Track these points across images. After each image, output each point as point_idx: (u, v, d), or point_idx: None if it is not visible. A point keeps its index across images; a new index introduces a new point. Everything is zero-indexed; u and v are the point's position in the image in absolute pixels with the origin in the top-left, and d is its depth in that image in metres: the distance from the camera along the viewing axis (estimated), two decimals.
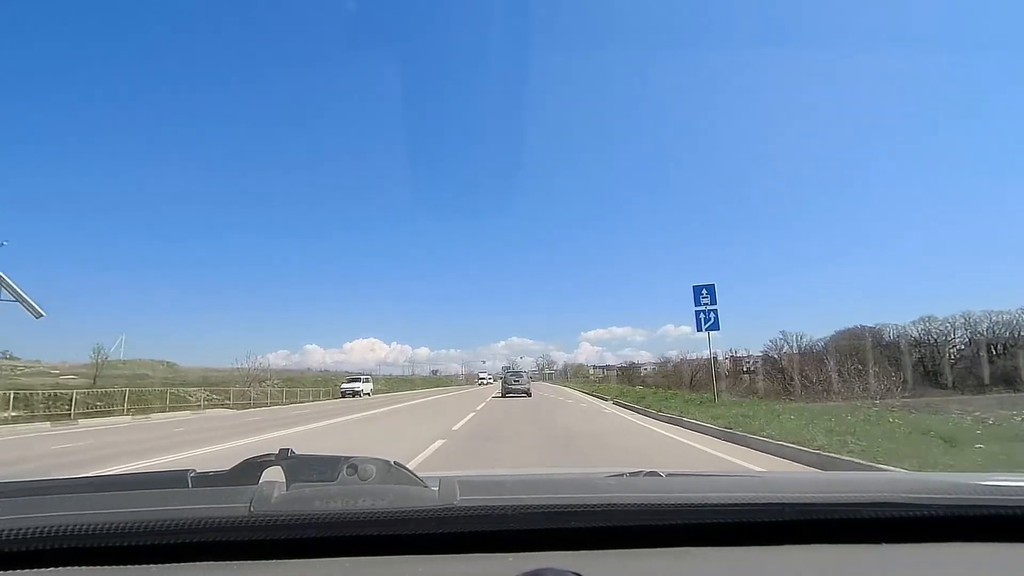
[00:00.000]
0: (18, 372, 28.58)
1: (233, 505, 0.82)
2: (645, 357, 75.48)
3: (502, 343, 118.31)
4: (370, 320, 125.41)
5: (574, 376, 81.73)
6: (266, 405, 27.91)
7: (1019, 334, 45.62)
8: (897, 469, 4.79)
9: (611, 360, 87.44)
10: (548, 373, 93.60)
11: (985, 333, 46.44)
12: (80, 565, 0.77)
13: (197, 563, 0.78)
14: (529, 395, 26.48)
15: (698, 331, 14.36)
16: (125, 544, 0.78)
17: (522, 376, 29.65)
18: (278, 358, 48.60)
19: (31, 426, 15.36)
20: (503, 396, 26.55)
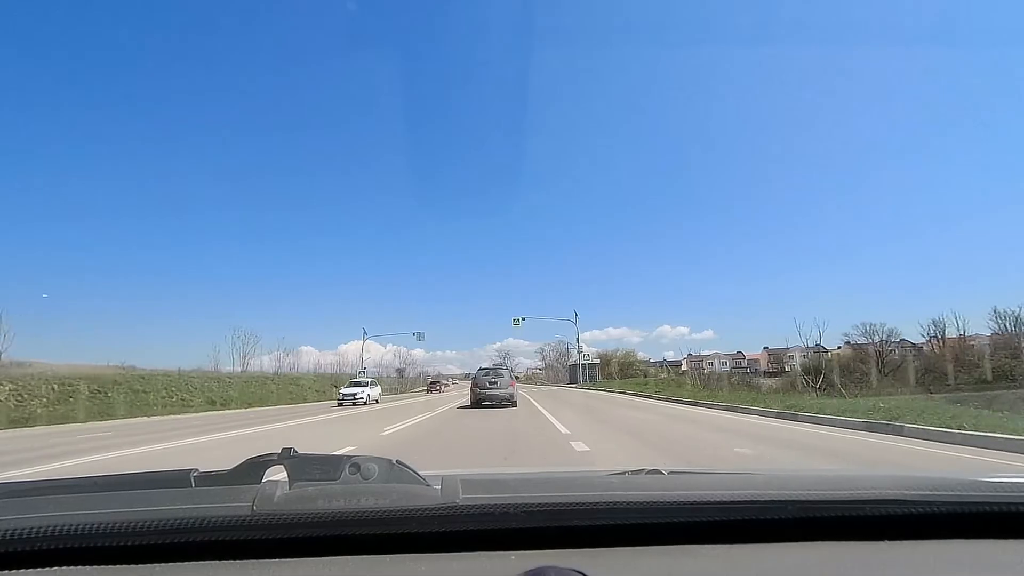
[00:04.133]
0: None
1: (236, 504, 0.83)
2: (642, 358, 66.53)
3: (497, 344, 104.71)
4: (365, 321, 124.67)
5: (612, 376, 50.75)
6: None
7: None
8: None
9: None
10: (593, 363, 54.52)
11: None
12: (84, 565, 0.77)
13: (201, 562, 0.79)
14: (514, 405, 17.89)
15: None
16: (129, 544, 0.79)
17: (502, 376, 19.44)
18: (272, 360, 46.88)
19: None
20: (473, 407, 18.12)
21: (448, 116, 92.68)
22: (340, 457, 0.95)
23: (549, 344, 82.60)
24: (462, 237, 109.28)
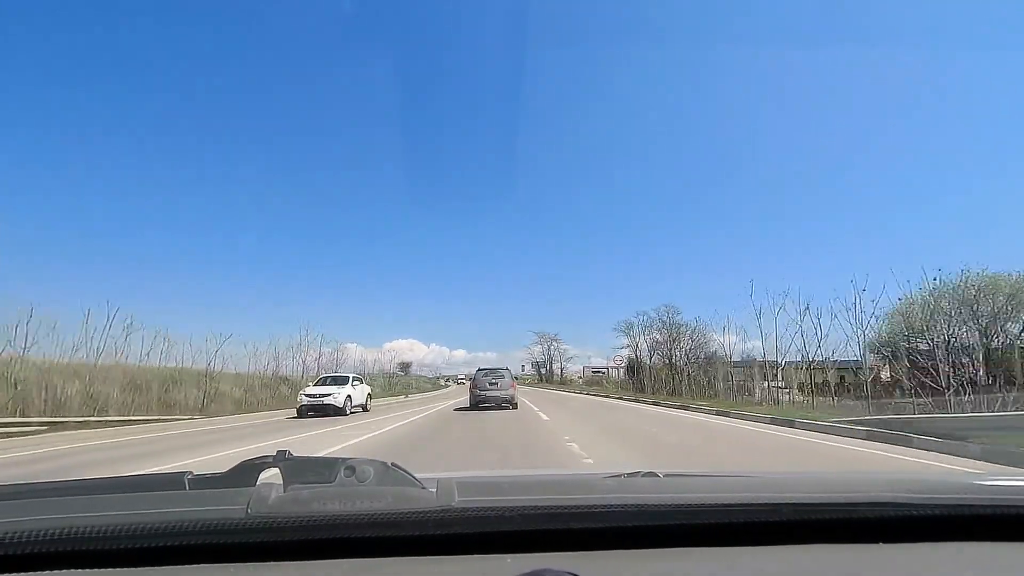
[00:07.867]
0: None
1: (230, 507, 0.82)
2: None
3: (537, 348, 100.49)
4: (409, 321, 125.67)
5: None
6: None
7: None
8: None
9: None
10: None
11: None
12: (78, 568, 0.77)
13: (195, 566, 0.78)
14: (515, 407, 17.79)
15: None
16: (123, 547, 0.78)
17: (503, 377, 18.78)
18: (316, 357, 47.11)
19: None
20: (471, 408, 17.90)
21: (474, 122, 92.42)
22: (335, 459, 0.95)
23: (648, 313, 38.14)
24: (496, 240, 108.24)
